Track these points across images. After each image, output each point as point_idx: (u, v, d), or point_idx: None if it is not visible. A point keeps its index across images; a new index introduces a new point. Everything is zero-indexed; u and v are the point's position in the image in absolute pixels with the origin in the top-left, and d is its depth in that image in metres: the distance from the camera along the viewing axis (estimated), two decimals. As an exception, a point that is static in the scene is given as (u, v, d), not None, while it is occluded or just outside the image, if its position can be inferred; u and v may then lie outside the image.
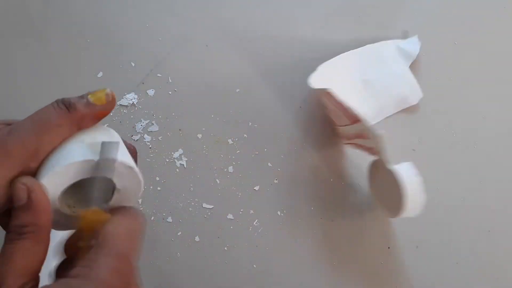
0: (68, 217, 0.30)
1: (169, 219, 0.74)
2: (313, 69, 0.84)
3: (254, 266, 0.71)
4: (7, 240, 0.24)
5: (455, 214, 0.78)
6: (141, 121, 0.82)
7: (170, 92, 0.86)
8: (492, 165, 0.82)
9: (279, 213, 0.76)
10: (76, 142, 0.27)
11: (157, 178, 0.77)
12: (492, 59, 0.94)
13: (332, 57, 0.87)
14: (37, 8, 0.94)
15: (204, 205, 0.76)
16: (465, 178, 0.81)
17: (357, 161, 0.80)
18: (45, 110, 0.27)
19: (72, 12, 0.94)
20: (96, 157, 0.26)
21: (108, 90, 0.28)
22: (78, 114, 0.26)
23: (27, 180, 0.25)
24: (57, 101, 0.27)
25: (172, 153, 0.79)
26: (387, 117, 0.85)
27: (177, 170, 0.78)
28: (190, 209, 0.75)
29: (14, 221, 0.25)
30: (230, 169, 0.79)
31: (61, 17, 0.93)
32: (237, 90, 0.87)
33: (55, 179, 0.26)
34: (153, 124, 0.82)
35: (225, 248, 0.72)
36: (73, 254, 0.27)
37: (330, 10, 0.99)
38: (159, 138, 0.81)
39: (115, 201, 0.30)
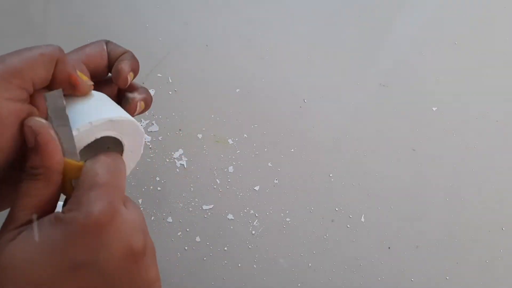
0: None
1: (169, 219, 0.74)
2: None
3: (254, 266, 0.71)
4: (22, 179, 0.25)
5: (455, 214, 0.78)
6: (141, 121, 0.82)
7: (170, 92, 0.86)
8: (492, 166, 0.82)
9: (279, 213, 0.76)
10: (88, 102, 0.29)
11: (157, 178, 0.77)
12: (492, 59, 0.94)
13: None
14: (37, 8, 0.94)
15: (204, 205, 0.76)
16: (465, 178, 0.81)
17: (357, 161, 0.80)
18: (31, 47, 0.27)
19: (72, 12, 0.94)
20: (112, 116, 0.28)
21: (89, 82, 0.30)
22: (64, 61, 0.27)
23: (33, 122, 0.25)
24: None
25: (172, 153, 0.79)
26: (387, 116, 0.85)
27: (177, 170, 0.78)
28: (190, 209, 0.75)
29: (28, 162, 0.25)
30: (230, 169, 0.79)
31: (61, 17, 0.93)
32: (237, 90, 0.87)
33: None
34: (153, 124, 0.82)
35: (225, 248, 0.72)
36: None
37: (330, 10, 0.99)
38: (159, 138, 0.81)
39: (125, 154, 0.32)
